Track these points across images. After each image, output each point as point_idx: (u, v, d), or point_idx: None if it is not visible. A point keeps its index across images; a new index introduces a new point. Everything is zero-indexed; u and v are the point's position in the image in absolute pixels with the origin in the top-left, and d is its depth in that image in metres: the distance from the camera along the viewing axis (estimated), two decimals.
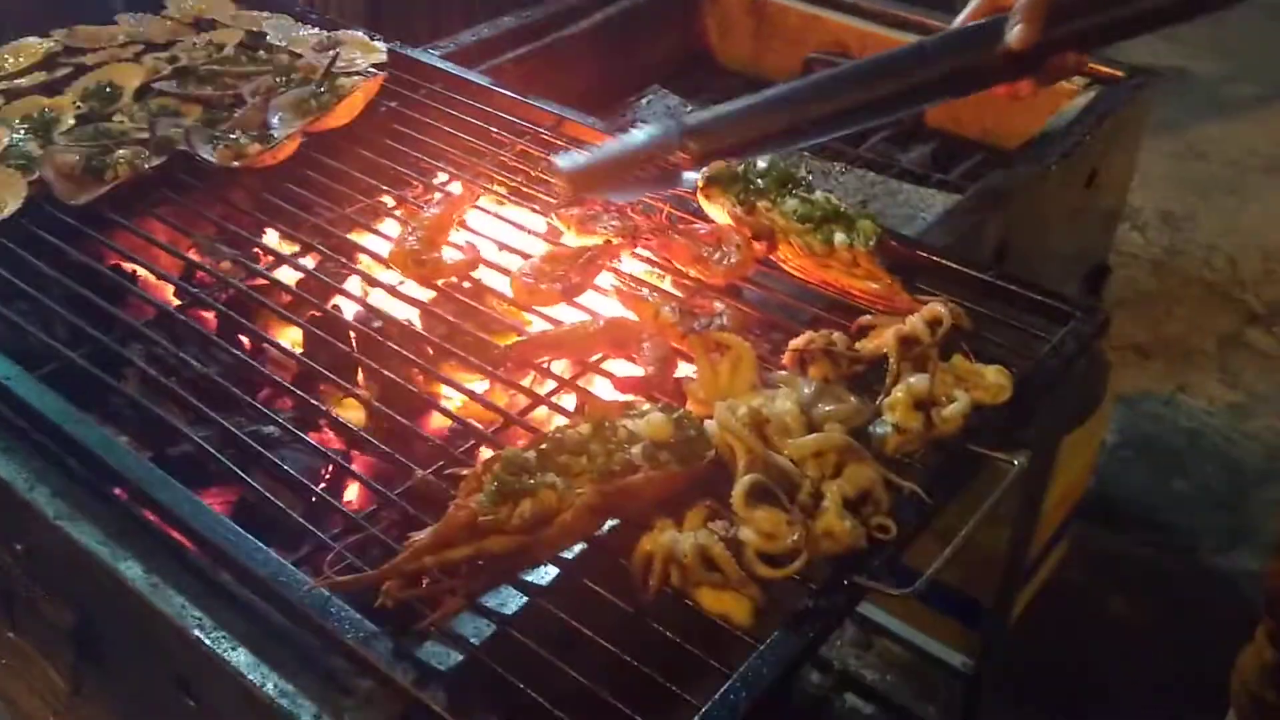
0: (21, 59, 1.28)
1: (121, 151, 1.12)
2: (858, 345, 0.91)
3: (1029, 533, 1.41)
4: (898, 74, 0.93)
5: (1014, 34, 0.88)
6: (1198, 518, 2.20)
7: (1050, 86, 0.95)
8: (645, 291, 1.01)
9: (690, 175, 1.00)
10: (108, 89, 1.22)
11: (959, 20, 0.95)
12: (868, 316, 0.96)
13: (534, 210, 1.18)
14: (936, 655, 1.57)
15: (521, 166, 1.21)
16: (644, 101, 1.58)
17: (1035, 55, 0.89)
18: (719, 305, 0.97)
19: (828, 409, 0.83)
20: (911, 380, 0.85)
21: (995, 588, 1.42)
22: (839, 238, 1.00)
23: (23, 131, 1.15)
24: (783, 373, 0.89)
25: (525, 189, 1.18)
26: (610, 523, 0.79)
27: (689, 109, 1.57)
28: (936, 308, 0.91)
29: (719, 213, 1.07)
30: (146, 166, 1.12)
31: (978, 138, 1.52)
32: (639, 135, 0.97)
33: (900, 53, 0.95)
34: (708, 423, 0.82)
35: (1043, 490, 1.35)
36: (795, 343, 0.90)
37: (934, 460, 0.84)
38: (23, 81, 1.25)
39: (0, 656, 1.02)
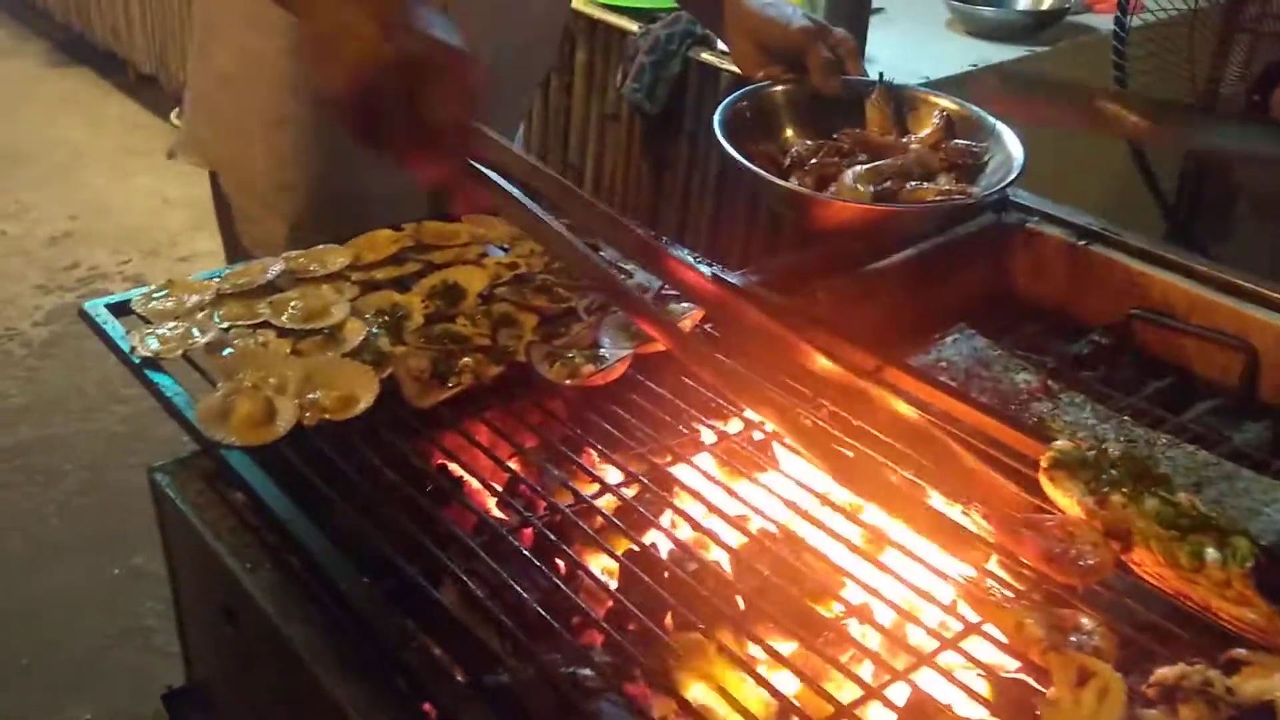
0: (375, 251, 1.37)
1: (466, 359, 1.16)
2: (1233, 682, 0.83)
3: None
4: None
5: None
6: None
7: None
8: (995, 587, 0.96)
9: None
10: (454, 290, 1.28)
11: None
12: (1242, 650, 0.86)
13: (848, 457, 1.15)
14: None
15: (839, 411, 1.19)
16: (949, 340, 1.54)
17: None
18: (1087, 621, 0.90)
19: None
20: None
21: None
22: (1210, 554, 0.91)
23: (377, 327, 1.22)
24: (1152, 712, 0.80)
25: (843, 438, 1.16)
26: None
27: (996, 352, 1.52)
28: None
29: (1067, 501, 1.00)
30: (488, 377, 1.16)
31: None
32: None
33: None
34: None
35: None
36: (1165, 675, 0.82)
37: None
38: (378, 274, 1.33)
39: None
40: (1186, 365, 1.51)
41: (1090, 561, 0.93)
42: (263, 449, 1.07)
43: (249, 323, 1.23)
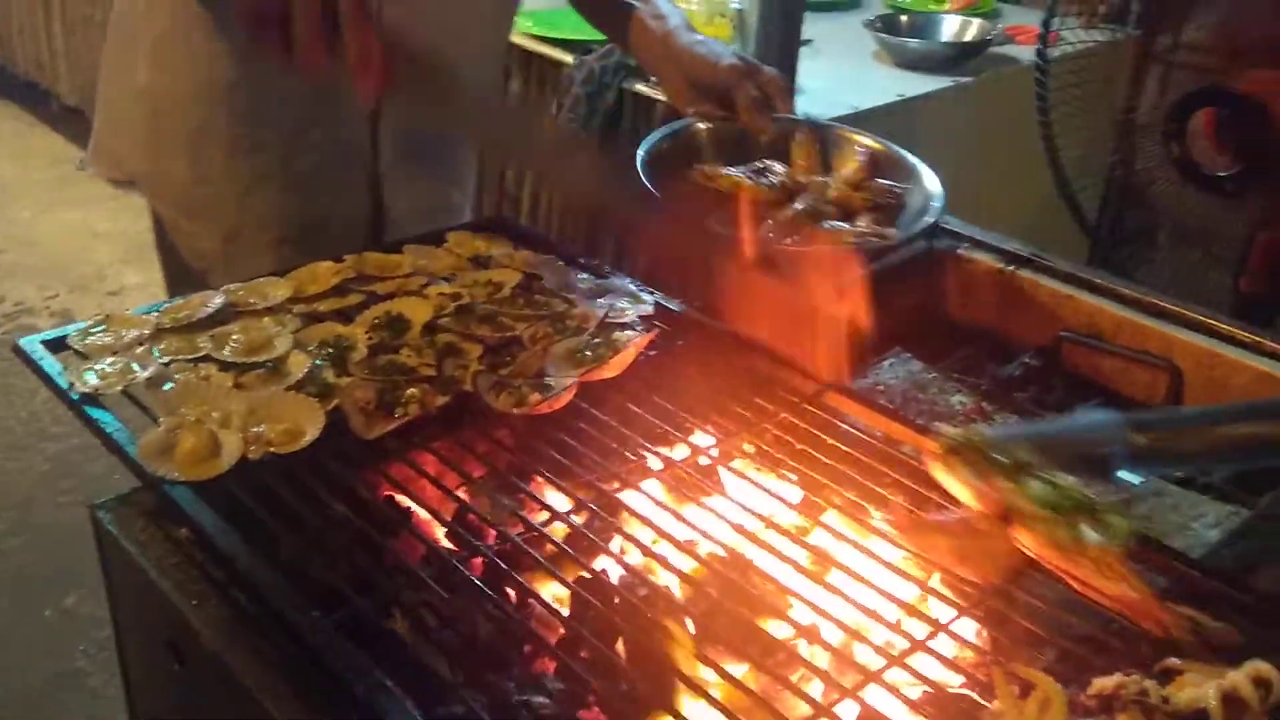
0: (318, 283, 1.37)
1: (412, 389, 1.17)
2: (1168, 693, 0.86)
3: None
4: None
5: None
6: None
7: None
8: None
9: (1124, 473, 0.99)
10: (398, 321, 1.28)
11: None
12: (1176, 660, 0.90)
13: (792, 482, 1.18)
14: None
15: (787, 439, 1.21)
16: (886, 363, 1.57)
17: None
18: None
19: None
20: None
21: None
22: (1088, 534, 0.95)
23: (321, 359, 1.22)
24: None
25: (787, 461, 1.18)
26: None
27: (931, 375, 1.56)
28: (1264, 667, 0.84)
29: (957, 486, 1.05)
30: (434, 407, 1.16)
31: None
32: (1080, 420, 0.97)
33: None
34: None
35: None
36: (1103, 685, 0.85)
37: None
38: (320, 306, 1.33)
39: None
40: (1114, 385, 1.56)
41: (999, 558, 0.96)
42: (207, 484, 1.06)
43: (190, 357, 1.22)
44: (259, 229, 1.62)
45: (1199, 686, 0.85)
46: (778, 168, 1.59)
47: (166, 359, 1.22)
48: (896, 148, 1.65)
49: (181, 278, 1.66)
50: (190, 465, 1.06)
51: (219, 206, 1.61)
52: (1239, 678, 0.84)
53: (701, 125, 1.66)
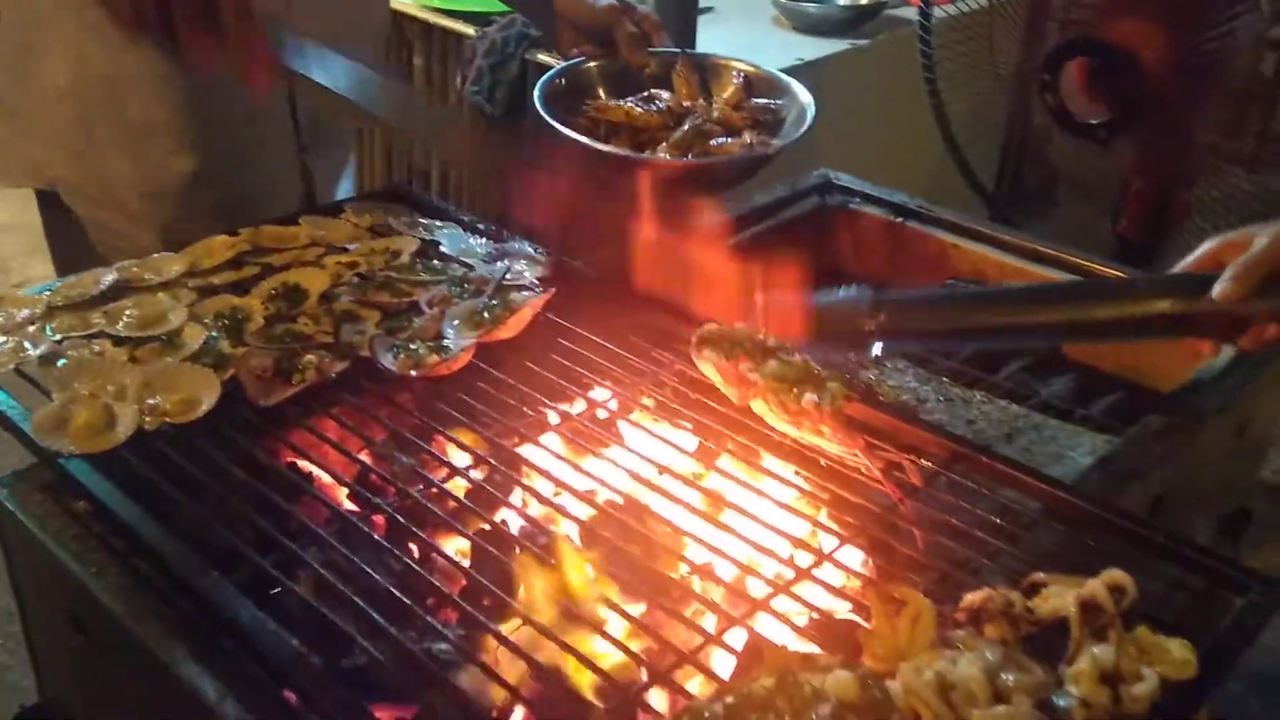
0: (213, 257, 1.37)
1: (309, 356, 1.18)
2: (1033, 605, 0.91)
3: None
4: (1109, 301, 0.96)
5: (1220, 289, 0.90)
6: None
7: (1245, 351, 0.96)
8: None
9: (877, 348, 1.08)
10: (294, 291, 1.29)
11: (1179, 268, 0.98)
12: (1041, 575, 0.95)
13: (688, 430, 1.21)
14: None
15: (679, 386, 1.25)
16: None
17: (1239, 318, 0.91)
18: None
19: (1013, 678, 0.82)
20: (1097, 651, 0.84)
21: None
22: (809, 397, 1.09)
23: (216, 330, 1.22)
24: (960, 633, 0.88)
25: (682, 409, 1.22)
26: None
27: None
28: (1119, 574, 0.90)
29: (709, 369, 1.18)
30: (332, 372, 1.17)
31: (1116, 373, 1.53)
32: (836, 293, 1.03)
33: (1113, 282, 0.99)
34: (890, 684, 0.81)
35: None
36: (972, 600, 0.90)
37: None
38: (215, 279, 1.33)
39: None
40: None
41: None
42: (104, 456, 1.06)
43: (83, 333, 1.22)
44: (201, 218, 1.56)
45: (1061, 598, 0.90)
46: (664, 95, 1.65)
47: (59, 336, 1.21)
48: (769, 69, 1.72)
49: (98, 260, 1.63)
50: (85, 438, 1.07)
51: (163, 201, 1.56)
52: (1096, 585, 0.90)
53: (590, 64, 1.70)
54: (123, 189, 1.55)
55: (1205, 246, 1.03)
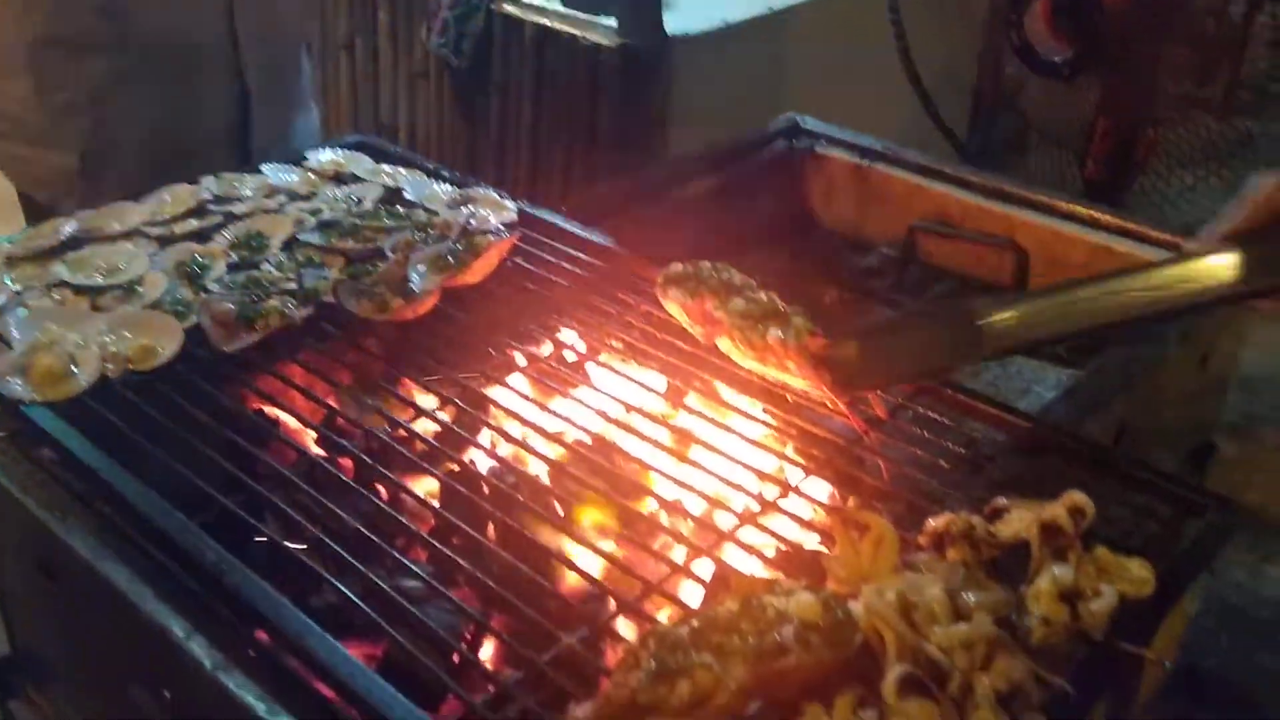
0: (174, 206, 1.35)
1: (272, 301, 1.17)
2: (995, 529, 0.92)
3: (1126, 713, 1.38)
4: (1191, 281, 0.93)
5: None
6: None
7: None
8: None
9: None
10: (256, 239, 1.28)
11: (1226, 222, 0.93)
12: (1002, 499, 0.96)
13: (656, 370, 1.22)
14: None
15: (646, 327, 1.25)
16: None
17: None
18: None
19: (975, 597, 0.84)
20: (1057, 570, 0.86)
21: None
22: (774, 332, 1.09)
23: (178, 278, 1.21)
24: (923, 555, 0.89)
25: (649, 350, 1.22)
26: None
27: (795, 270, 1.61)
28: (1079, 496, 0.91)
29: (675, 308, 1.18)
30: (296, 317, 1.17)
31: None
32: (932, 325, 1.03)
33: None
34: (853, 605, 0.82)
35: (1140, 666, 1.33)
36: (935, 524, 0.91)
37: (1079, 655, 0.84)
38: (176, 228, 1.31)
39: None
40: (965, 269, 1.64)
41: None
42: (68, 404, 1.06)
43: (44, 283, 1.21)
44: (120, 142, 1.53)
45: (1022, 521, 0.91)
46: None
47: (19, 286, 1.20)
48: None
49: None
50: (47, 386, 1.06)
51: (71, 120, 1.50)
52: (1056, 508, 0.91)
53: None
54: (26, 108, 1.51)
55: (1258, 188, 0.95)
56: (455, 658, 0.88)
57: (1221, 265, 0.92)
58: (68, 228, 1.29)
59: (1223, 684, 2.17)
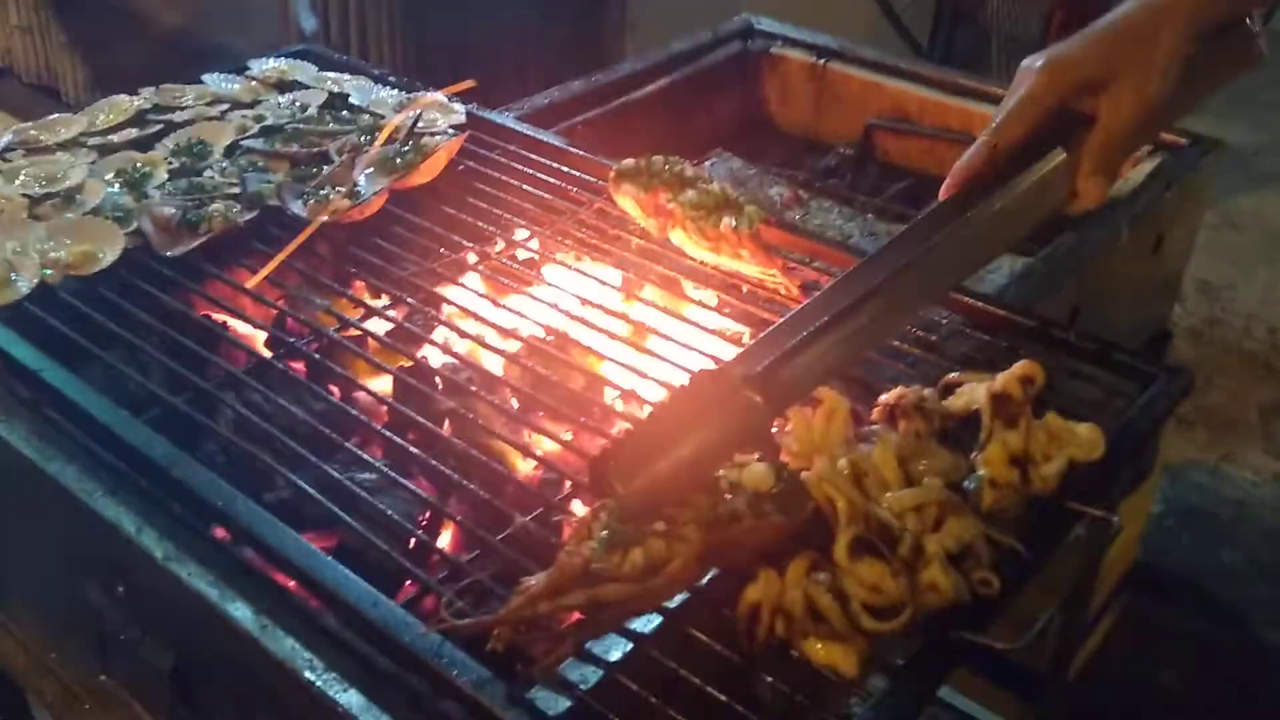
0: (113, 116, 1.32)
1: (215, 205, 1.15)
2: (946, 403, 0.92)
3: (1086, 600, 1.40)
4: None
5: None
6: (1247, 590, 2.17)
7: None
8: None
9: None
10: (198, 146, 1.25)
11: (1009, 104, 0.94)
12: (954, 374, 0.96)
13: (609, 264, 1.21)
14: None
15: (599, 224, 1.24)
16: (708, 163, 1.61)
17: None
18: None
19: (925, 463, 0.84)
20: (1007, 435, 0.86)
21: (1049, 657, 1.40)
22: (726, 221, 1.11)
23: (117, 186, 1.19)
24: (874, 427, 0.90)
25: (603, 246, 1.21)
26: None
27: (752, 171, 1.60)
28: (1030, 365, 0.92)
29: (628, 202, 1.19)
30: (239, 220, 1.15)
31: None
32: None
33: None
34: (805, 474, 0.82)
35: (1101, 555, 1.35)
36: (885, 397, 0.91)
37: (1030, 517, 0.84)
38: (115, 138, 1.28)
39: (87, 700, 1.03)
40: (923, 167, 1.63)
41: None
42: (8, 310, 1.04)
43: None
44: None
45: (974, 392, 0.92)
46: None
47: None
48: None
49: None
50: None
51: None
52: (1006, 377, 0.91)
53: None
54: None
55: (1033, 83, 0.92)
56: (411, 543, 0.88)
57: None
58: (3, 138, 1.25)
59: (1184, 582, 2.22)
